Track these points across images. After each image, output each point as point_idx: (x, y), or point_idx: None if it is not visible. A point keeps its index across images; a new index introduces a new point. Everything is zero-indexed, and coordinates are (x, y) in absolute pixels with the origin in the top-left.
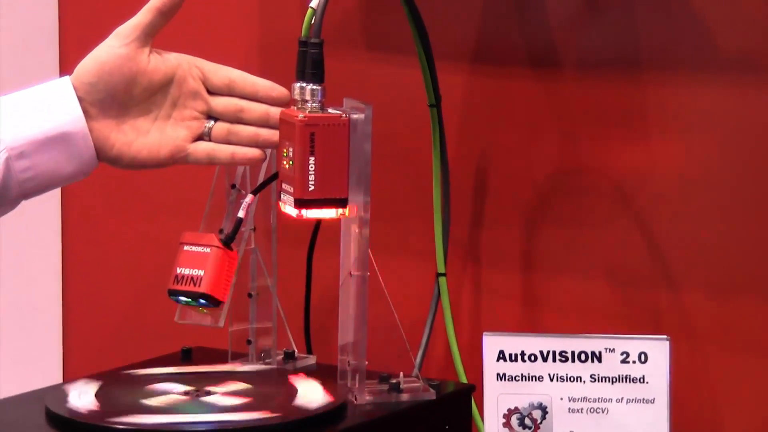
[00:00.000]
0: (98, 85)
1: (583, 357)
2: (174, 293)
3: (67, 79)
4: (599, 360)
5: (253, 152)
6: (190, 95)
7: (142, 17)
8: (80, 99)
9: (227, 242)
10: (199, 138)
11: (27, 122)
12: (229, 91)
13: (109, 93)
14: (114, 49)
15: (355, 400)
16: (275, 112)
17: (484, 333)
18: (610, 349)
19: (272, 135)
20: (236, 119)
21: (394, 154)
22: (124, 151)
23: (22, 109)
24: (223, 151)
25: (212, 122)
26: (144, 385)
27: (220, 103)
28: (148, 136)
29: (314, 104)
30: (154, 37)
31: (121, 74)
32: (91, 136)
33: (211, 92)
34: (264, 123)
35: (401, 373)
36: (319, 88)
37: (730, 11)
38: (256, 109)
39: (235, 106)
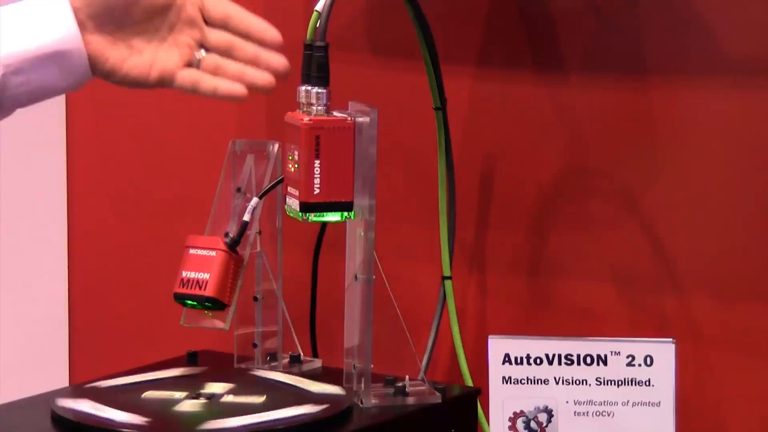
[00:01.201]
0: (97, 1)
1: (588, 360)
2: (180, 297)
3: None
4: (605, 363)
5: (236, 89)
6: (187, 22)
7: None
8: (77, 10)
9: (233, 246)
10: (189, 65)
11: (23, 38)
12: (224, 26)
13: (107, 10)
14: None
15: (361, 403)
16: (266, 55)
17: (490, 336)
18: (615, 352)
19: (258, 78)
20: (227, 54)
21: (399, 157)
22: (117, 67)
23: (17, 24)
24: (208, 82)
25: (203, 52)
26: (139, 392)
27: (215, 36)
28: (141, 55)
29: (319, 107)
30: None
31: None
32: (86, 51)
33: (208, 23)
34: (253, 64)
35: (407, 377)
36: (324, 91)
37: (735, 14)
38: (247, 49)
39: (228, 42)
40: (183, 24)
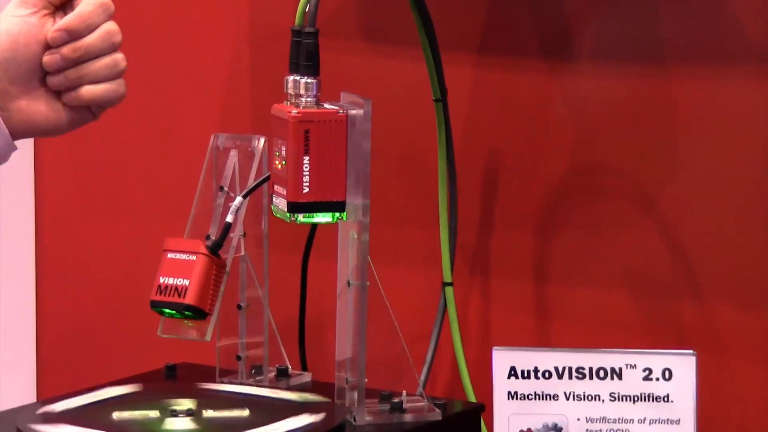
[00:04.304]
0: (17, 58)
1: (601, 374)
2: (157, 305)
3: None
4: (619, 377)
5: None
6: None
7: None
8: None
9: (215, 249)
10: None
11: None
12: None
13: (29, 63)
14: (24, 18)
15: (354, 420)
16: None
17: (494, 348)
18: (631, 365)
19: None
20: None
21: (395, 153)
22: (61, 118)
23: None
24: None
25: None
26: (111, 409)
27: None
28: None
29: (309, 99)
30: (58, 6)
31: (37, 42)
32: (5, 121)
33: None
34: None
35: (404, 392)
36: (314, 81)
37: None
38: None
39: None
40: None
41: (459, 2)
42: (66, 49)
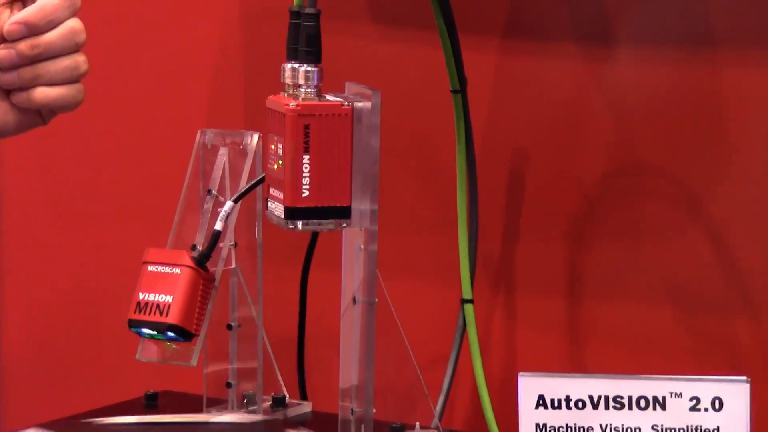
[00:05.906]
0: None
1: (642, 403)
2: (136, 324)
3: None
4: (663, 407)
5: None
6: None
7: None
8: None
9: (201, 261)
10: None
11: None
12: None
13: None
14: None
15: None
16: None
17: (520, 373)
18: (676, 394)
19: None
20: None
21: (408, 151)
22: (8, 121)
23: None
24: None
25: None
26: None
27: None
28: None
29: (309, 90)
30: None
31: None
32: None
33: None
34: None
35: (417, 424)
36: (315, 69)
37: None
38: None
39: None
40: None
41: None
42: (23, 45)
